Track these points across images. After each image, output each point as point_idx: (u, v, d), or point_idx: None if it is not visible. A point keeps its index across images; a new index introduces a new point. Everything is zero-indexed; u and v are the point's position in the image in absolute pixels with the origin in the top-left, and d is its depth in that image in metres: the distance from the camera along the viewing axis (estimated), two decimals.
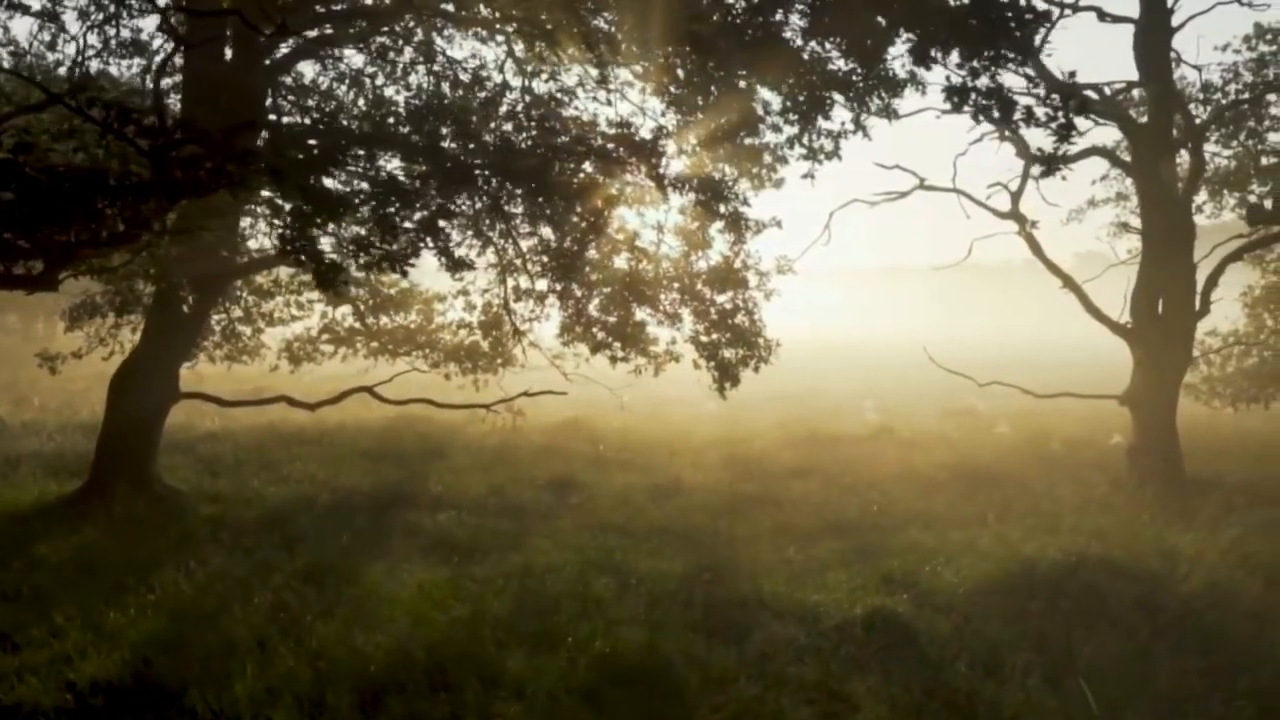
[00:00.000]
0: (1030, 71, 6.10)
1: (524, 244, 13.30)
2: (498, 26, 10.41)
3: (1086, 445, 14.18)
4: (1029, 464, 12.57)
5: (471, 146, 12.08)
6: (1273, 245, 12.56)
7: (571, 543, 8.83)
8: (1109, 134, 14.54)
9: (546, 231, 12.64)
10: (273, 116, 12.61)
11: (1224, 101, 12.73)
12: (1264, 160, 14.21)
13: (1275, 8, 12.47)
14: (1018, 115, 5.84)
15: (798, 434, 15.52)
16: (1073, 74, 6.09)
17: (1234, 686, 4.85)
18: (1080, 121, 12.81)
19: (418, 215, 7.28)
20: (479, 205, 13.06)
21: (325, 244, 9.01)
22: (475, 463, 13.67)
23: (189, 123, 5.49)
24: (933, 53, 5.63)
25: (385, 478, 11.89)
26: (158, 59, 12.07)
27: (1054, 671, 5.11)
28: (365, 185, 7.20)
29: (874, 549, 8.06)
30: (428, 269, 15.15)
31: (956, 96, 5.77)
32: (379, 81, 13.26)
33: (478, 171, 11.80)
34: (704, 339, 10.31)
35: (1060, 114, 5.90)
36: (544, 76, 12.63)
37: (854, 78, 6.67)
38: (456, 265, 7.84)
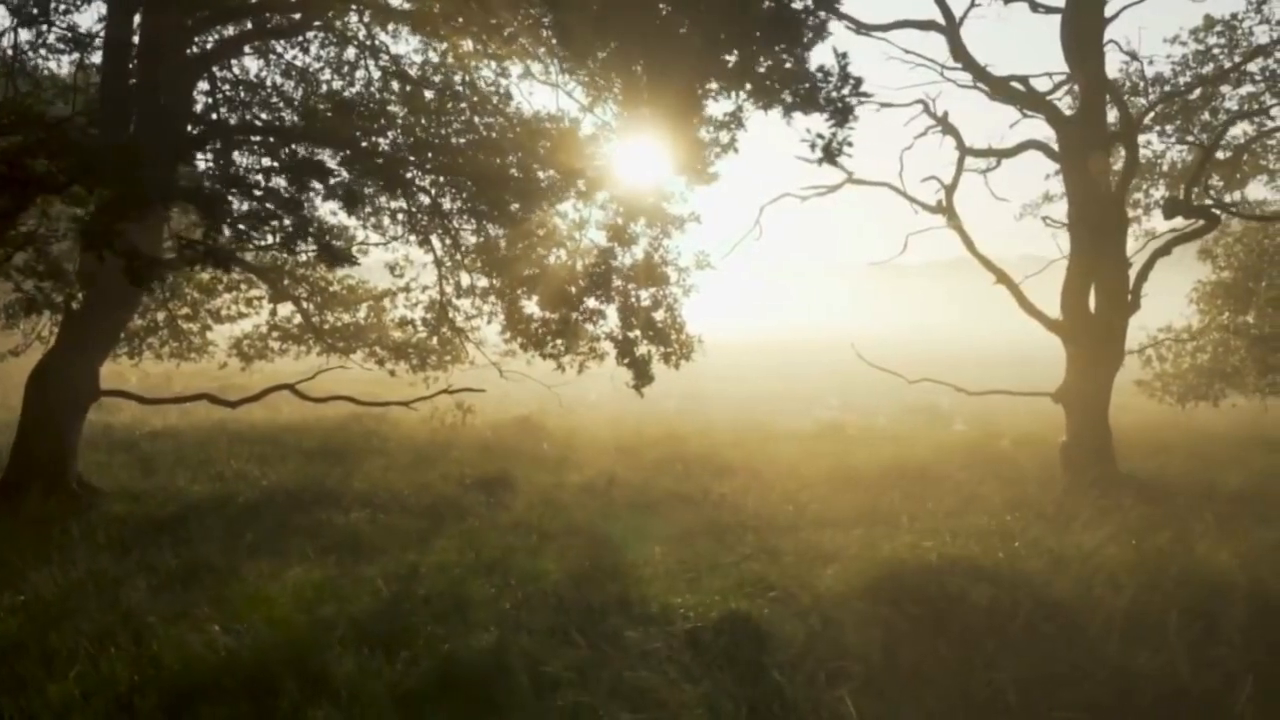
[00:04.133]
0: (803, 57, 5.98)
1: (463, 241, 13.24)
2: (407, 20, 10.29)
3: (1036, 443, 13.94)
4: (968, 462, 12.37)
5: (405, 141, 11.99)
6: (1205, 237, 12.25)
7: (476, 542, 8.72)
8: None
9: (482, 228, 12.56)
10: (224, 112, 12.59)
11: (1170, 91, 12.46)
12: (1220, 155, 13.94)
13: None
14: (795, 100, 5.70)
15: (744, 432, 15.35)
16: (844, 55, 5.96)
17: (1056, 698, 4.68)
18: (1010, 113, 12.72)
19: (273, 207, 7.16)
20: (416, 202, 12.99)
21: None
22: (416, 460, 13.59)
23: (20, 115, 5.38)
24: (722, 39, 5.51)
25: (314, 475, 11.81)
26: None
27: (883, 681, 4.96)
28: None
29: (769, 549, 7.93)
30: (373, 265, 15.13)
31: (750, 84, 5.64)
32: (325, 76, 13.20)
33: (411, 171, 11.71)
34: (618, 336, 10.20)
35: (838, 99, 5.77)
36: (480, 72, 12.54)
37: (729, 68, 6.54)
38: (335, 258, 7.71)
